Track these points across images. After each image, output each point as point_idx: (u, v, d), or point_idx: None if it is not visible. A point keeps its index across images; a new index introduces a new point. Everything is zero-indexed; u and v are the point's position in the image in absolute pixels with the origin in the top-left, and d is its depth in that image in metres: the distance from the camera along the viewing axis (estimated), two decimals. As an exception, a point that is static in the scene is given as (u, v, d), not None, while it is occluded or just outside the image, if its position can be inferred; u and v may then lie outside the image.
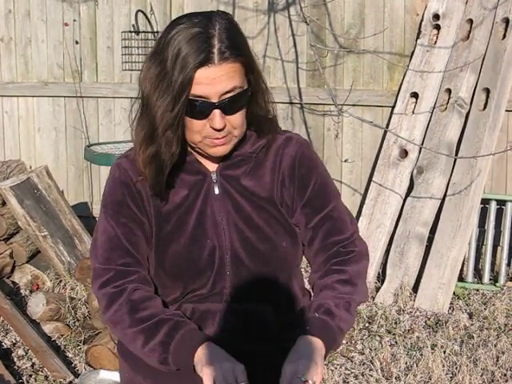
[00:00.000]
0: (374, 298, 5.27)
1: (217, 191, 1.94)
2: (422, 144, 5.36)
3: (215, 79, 1.77)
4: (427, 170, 5.34)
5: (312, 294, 1.98)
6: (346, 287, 1.92)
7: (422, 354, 4.48)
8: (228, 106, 1.80)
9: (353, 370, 4.44)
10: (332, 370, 4.43)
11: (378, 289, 5.32)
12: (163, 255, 1.92)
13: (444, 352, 4.49)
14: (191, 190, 1.94)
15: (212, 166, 1.96)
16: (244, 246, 1.92)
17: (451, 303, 5.13)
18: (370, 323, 5.00)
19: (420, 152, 5.40)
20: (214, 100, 1.79)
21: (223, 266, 1.92)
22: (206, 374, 1.69)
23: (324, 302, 1.87)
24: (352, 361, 4.57)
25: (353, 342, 4.79)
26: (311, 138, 5.83)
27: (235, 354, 1.76)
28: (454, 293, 5.16)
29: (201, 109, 1.80)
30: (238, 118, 1.84)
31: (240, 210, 1.94)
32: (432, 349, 4.54)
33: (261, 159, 1.97)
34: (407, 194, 5.40)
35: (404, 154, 5.44)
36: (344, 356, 4.64)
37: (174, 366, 1.81)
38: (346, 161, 5.81)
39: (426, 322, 4.96)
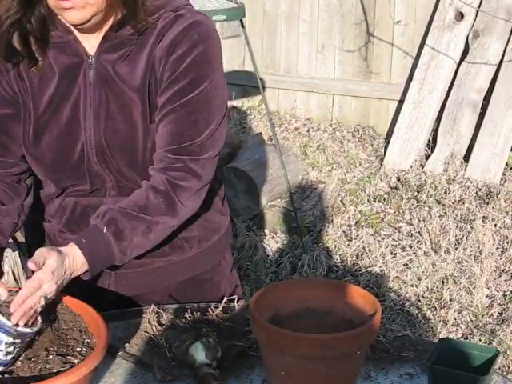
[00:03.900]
0: (423, 166, 5.19)
1: (91, 77, 1.78)
2: (479, 7, 5.14)
3: None
4: (483, 34, 5.13)
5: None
6: (159, 199, 1.74)
7: (472, 227, 4.42)
8: None
9: (400, 242, 4.41)
10: (379, 241, 4.40)
11: (427, 156, 5.23)
12: (35, 145, 1.81)
13: (495, 225, 4.43)
14: (64, 75, 1.78)
15: (91, 49, 1.78)
16: (111, 142, 1.79)
17: (503, 174, 5.03)
18: (418, 192, 4.94)
19: (477, 15, 5.18)
20: None
21: (92, 162, 1.81)
22: None
23: (119, 219, 1.71)
24: (399, 231, 4.54)
25: (401, 211, 4.75)
26: (362, -2, 5.61)
27: None
28: (506, 163, 5.05)
29: None
30: None
31: (110, 101, 1.78)
32: (483, 221, 4.48)
33: (142, 42, 1.76)
34: (461, 59, 5.22)
35: (460, 16, 5.22)
36: (391, 226, 4.61)
37: None
38: (398, 22, 5.60)
39: (476, 192, 4.88)
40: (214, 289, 2.04)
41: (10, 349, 1.48)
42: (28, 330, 1.49)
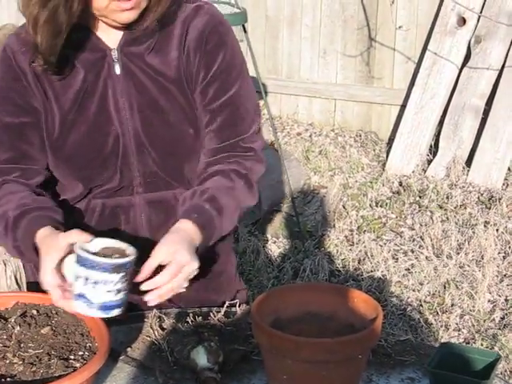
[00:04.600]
0: (425, 171, 5.19)
1: (118, 71, 1.79)
2: (481, 12, 5.13)
3: None
4: (485, 39, 5.13)
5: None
6: (241, 182, 1.82)
7: (474, 232, 4.42)
8: None
9: (402, 246, 4.41)
10: (381, 246, 4.40)
11: (429, 161, 5.23)
12: (63, 144, 1.80)
13: (497, 230, 4.43)
14: (89, 71, 1.78)
15: (113, 43, 1.79)
16: (147, 133, 1.80)
17: (505, 179, 5.02)
18: (420, 197, 4.93)
19: (478, 20, 5.17)
20: None
21: (127, 155, 1.81)
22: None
23: (218, 196, 1.76)
24: (401, 236, 4.54)
25: (403, 216, 4.75)
26: (364, 3, 5.61)
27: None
28: (508, 168, 5.04)
29: None
30: None
31: (144, 92, 1.80)
32: (485, 226, 4.47)
33: (166, 32, 1.80)
34: (463, 64, 5.21)
35: (462, 21, 5.22)
36: (393, 231, 4.61)
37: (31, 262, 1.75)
38: (400, 27, 5.60)
39: (478, 197, 4.88)
40: (229, 282, 2.05)
41: (119, 285, 1.52)
42: (126, 260, 1.53)
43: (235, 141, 1.84)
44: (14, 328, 1.56)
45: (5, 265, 2.02)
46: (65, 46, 1.72)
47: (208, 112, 1.83)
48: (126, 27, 1.76)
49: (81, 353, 1.51)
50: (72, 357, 1.49)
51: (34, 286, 1.96)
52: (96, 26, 1.77)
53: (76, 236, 1.57)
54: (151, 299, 1.60)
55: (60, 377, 1.42)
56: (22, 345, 1.52)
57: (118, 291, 1.53)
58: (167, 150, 1.82)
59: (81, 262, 1.51)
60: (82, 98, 1.78)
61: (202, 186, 1.80)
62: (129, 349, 1.73)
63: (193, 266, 1.63)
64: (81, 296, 1.52)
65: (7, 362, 1.47)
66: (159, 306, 1.87)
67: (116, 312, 1.55)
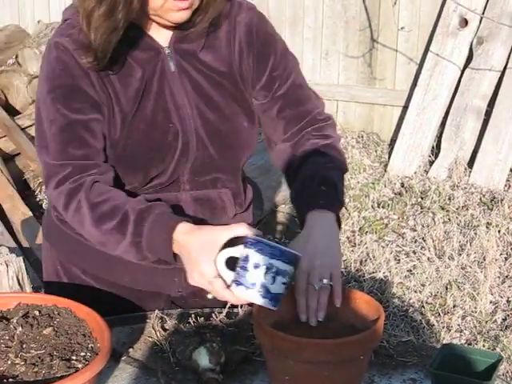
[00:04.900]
0: (427, 172, 5.19)
1: (173, 68, 1.80)
2: (483, 13, 5.13)
3: None
4: (487, 40, 5.13)
5: (287, 163, 1.91)
6: (333, 152, 1.87)
7: (476, 233, 4.42)
8: None
9: (404, 248, 4.40)
10: (383, 247, 4.40)
11: (431, 163, 5.23)
12: (124, 143, 1.79)
13: (499, 231, 4.42)
14: (145, 69, 1.79)
15: (164, 41, 1.80)
16: (206, 129, 1.81)
17: (507, 180, 5.02)
18: (422, 198, 4.93)
19: (481, 21, 5.17)
20: None
21: (186, 152, 1.81)
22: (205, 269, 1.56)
23: (325, 174, 1.79)
24: (403, 237, 4.54)
25: (404, 217, 4.74)
26: (366, 4, 5.61)
27: None
28: (510, 169, 5.04)
29: None
30: None
31: (199, 89, 1.81)
32: (487, 227, 4.47)
33: (215, 29, 1.82)
34: (466, 65, 5.21)
35: (464, 23, 5.22)
36: (395, 232, 4.61)
37: (155, 258, 1.68)
38: (402, 29, 5.60)
39: (480, 198, 4.88)
40: None
41: (289, 279, 1.52)
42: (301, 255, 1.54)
43: (312, 116, 1.90)
44: (16, 329, 1.56)
45: (7, 266, 2.02)
46: (119, 43, 1.72)
47: (278, 98, 1.88)
48: (176, 26, 1.77)
49: (83, 353, 1.50)
50: (74, 357, 1.49)
51: (55, 286, 1.97)
52: (147, 24, 1.78)
53: (242, 229, 1.55)
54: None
55: (62, 377, 1.42)
56: (24, 345, 1.52)
57: (287, 286, 1.52)
58: (224, 144, 1.84)
59: (266, 251, 1.48)
60: (140, 97, 1.78)
61: (304, 171, 1.82)
62: (131, 349, 1.73)
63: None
64: (257, 285, 1.49)
65: (9, 362, 1.47)
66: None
67: (276, 307, 1.53)
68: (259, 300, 1.49)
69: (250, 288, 1.49)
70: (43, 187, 4.69)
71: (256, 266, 1.49)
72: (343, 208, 1.81)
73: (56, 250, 1.99)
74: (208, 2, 1.76)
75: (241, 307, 1.82)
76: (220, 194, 1.90)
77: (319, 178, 1.78)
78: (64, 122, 1.74)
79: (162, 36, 1.80)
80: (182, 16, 1.72)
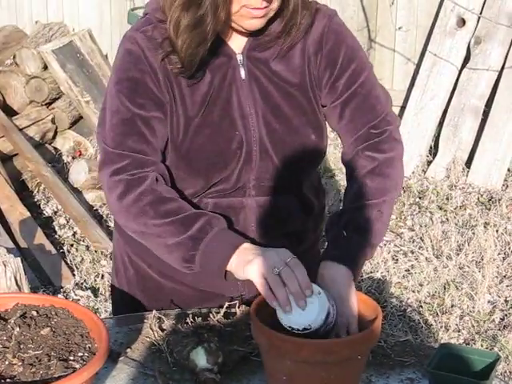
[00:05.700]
0: (425, 172, 5.19)
1: (243, 76, 1.80)
2: (481, 13, 5.14)
3: None
4: (485, 40, 5.13)
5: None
6: (376, 180, 1.82)
7: (473, 233, 4.42)
8: None
9: (402, 247, 4.41)
10: (381, 247, 4.40)
11: (429, 162, 5.23)
12: (187, 146, 1.79)
13: (497, 231, 4.43)
14: (215, 75, 1.78)
15: (238, 48, 1.80)
16: (271, 139, 1.81)
17: (505, 180, 5.02)
18: (420, 198, 4.94)
19: (478, 21, 5.18)
20: None
21: (250, 160, 1.81)
22: (254, 271, 1.61)
23: (353, 217, 1.77)
24: (401, 237, 4.54)
25: (402, 217, 4.75)
26: (364, 4, 5.61)
27: None
28: (508, 169, 5.05)
29: None
30: None
31: (268, 99, 1.81)
32: (484, 227, 4.47)
33: (290, 39, 1.80)
34: (463, 65, 5.22)
35: (461, 23, 5.22)
36: (393, 232, 4.61)
37: (199, 267, 1.69)
38: (400, 28, 5.60)
39: (478, 198, 4.88)
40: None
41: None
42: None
43: (367, 129, 1.85)
44: (13, 329, 1.56)
45: (5, 266, 2.02)
46: None
47: (339, 105, 1.85)
48: (251, 33, 1.77)
49: (80, 354, 1.50)
50: (72, 358, 1.49)
51: (122, 276, 2.01)
52: (222, 30, 1.76)
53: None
54: None
55: (59, 378, 1.42)
56: (21, 346, 1.51)
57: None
58: (289, 155, 1.83)
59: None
60: (208, 102, 1.78)
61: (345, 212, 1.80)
62: (128, 350, 1.73)
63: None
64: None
65: (7, 363, 1.47)
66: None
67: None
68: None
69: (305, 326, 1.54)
70: (41, 188, 4.69)
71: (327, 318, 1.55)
72: (368, 249, 1.77)
73: (124, 241, 1.99)
74: (287, 13, 1.75)
75: (238, 307, 1.82)
76: (285, 201, 1.90)
77: (344, 221, 1.77)
78: (126, 114, 1.76)
79: (235, 42, 1.80)
80: (256, 24, 1.72)
